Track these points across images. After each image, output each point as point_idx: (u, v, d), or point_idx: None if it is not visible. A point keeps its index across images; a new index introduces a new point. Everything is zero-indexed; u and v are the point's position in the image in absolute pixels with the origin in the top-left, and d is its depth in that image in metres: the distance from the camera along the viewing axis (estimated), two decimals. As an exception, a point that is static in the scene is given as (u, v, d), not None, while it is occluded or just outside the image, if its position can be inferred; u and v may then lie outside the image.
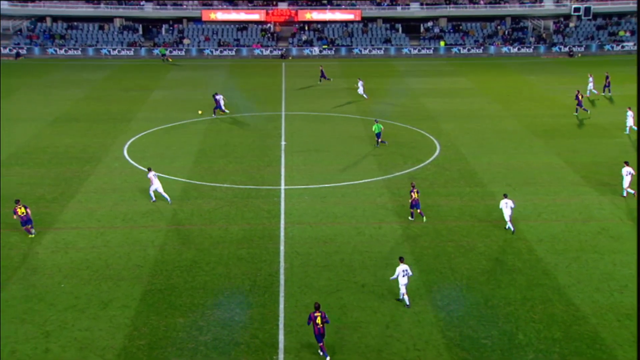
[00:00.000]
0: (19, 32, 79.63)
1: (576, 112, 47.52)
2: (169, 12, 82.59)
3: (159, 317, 21.50)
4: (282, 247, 26.51)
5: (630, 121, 41.81)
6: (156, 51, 77.19)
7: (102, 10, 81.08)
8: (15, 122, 45.50)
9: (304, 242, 26.94)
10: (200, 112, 48.04)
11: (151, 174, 31.35)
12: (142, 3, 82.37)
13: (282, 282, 23.70)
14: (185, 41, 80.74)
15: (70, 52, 77.52)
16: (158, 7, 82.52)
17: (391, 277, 22.73)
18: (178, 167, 36.24)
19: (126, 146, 40.39)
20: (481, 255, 25.80)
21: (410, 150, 39.77)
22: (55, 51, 77.35)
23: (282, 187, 33.41)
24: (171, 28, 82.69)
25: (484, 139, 42.06)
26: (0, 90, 55.07)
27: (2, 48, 76.29)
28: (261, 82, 61.68)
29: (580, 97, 47.23)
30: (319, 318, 19.48)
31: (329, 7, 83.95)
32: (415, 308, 22.06)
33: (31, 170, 35.69)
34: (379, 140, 39.95)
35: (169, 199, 31.10)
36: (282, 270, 24.59)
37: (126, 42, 79.82)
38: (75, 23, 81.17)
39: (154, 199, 31.27)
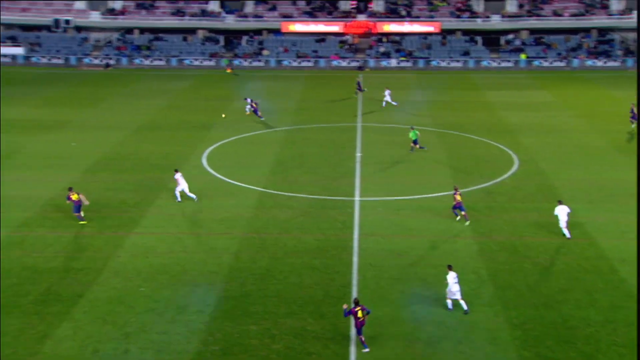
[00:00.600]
0: (109, 44, 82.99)
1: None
2: (250, 24, 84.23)
3: (232, 323, 21.80)
4: (355, 259, 26.43)
5: None
6: (222, 63, 78.90)
7: (186, 22, 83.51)
8: (102, 130, 47.33)
9: (377, 254, 26.77)
10: (223, 115, 50.10)
11: (178, 175, 32.78)
12: (224, 15, 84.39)
13: (354, 293, 23.61)
14: (265, 52, 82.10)
15: (155, 63, 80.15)
16: (239, 19, 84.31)
17: (447, 289, 22.46)
18: (255, 177, 36.77)
19: (205, 154, 41.32)
20: (560, 273, 24.96)
21: (487, 164, 38.99)
22: (141, 61, 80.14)
23: (357, 198, 33.36)
24: (251, 39, 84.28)
25: (565, 154, 40.79)
26: (81, 99, 57.44)
27: (93, 59, 79.64)
28: (338, 94, 61.94)
29: None
30: (360, 312, 20.08)
31: (407, 19, 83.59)
32: (490, 325, 21.53)
33: (115, 176, 36.99)
34: (417, 146, 40.72)
35: (195, 197, 32.48)
36: (355, 282, 24.51)
37: (208, 52, 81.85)
38: (161, 34, 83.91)
39: (179, 199, 32.48)
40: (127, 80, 69.78)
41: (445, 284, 22.47)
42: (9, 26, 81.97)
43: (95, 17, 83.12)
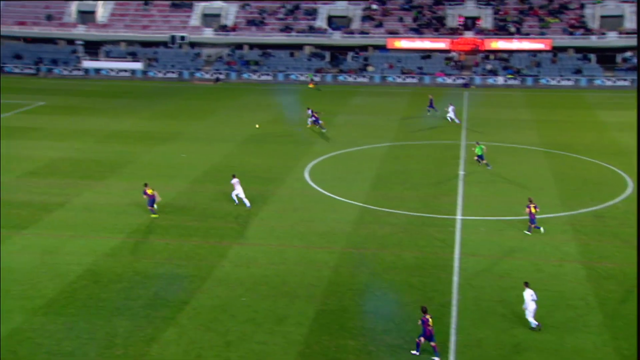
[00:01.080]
0: (219, 59, 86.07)
1: None
2: (356, 40, 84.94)
3: (330, 337, 21.92)
4: (455, 278, 25.95)
5: None
6: (308, 77, 79.94)
7: (294, 38, 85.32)
8: (210, 142, 49.03)
9: (478, 275, 26.17)
10: (257, 125, 51.98)
11: (234, 181, 34.53)
12: (330, 32, 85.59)
13: (454, 314, 23.17)
14: (370, 68, 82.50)
15: (262, 77, 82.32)
16: (346, 35, 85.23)
17: (523, 306, 22.13)
18: (355, 191, 36.91)
19: (307, 168, 41.91)
20: (676, 305, 23.41)
21: (598, 186, 37.30)
22: (250, 76, 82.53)
23: (459, 217, 32.78)
24: (356, 55, 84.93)
25: (685, 178, 38.35)
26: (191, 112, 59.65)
27: (204, 73, 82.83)
28: (442, 111, 61.20)
29: None
30: (430, 320, 20.56)
31: (517, 36, 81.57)
32: (598, 355, 20.51)
33: (221, 187, 38.11)
34: (484, 162, 40.74)
35: (248, 204, 34.00)
36: (454, 302, 24.05)
37: (313, 68, 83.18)
38: (269, 50, 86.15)
39: (237, 202, 34.26)
40: (235, 94, 72.00)
41: (572, 315, 21.70)
42: (130, 43, 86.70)
43: (208, 33, 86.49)
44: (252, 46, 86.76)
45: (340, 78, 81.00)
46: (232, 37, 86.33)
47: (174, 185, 37.94)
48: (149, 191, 32.89)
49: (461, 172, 40.52)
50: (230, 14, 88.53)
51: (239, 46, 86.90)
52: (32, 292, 24.68)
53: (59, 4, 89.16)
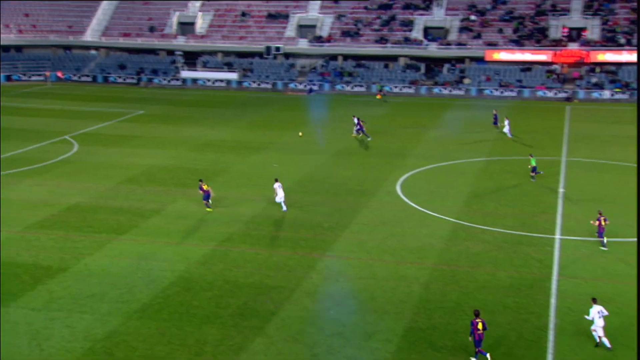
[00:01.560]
0: (313, 70, 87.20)
1: None
2: (453, 52, 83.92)
3: (419, 356, 21.63)
4: (553, 301, 25.04)
5: None
6: (374, 87, 79.69)
7: (389, 49, 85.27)
8: (302, 153, 49.64)
9: (577, 298, 25.14)
10: (300, 134, 53.42)
11: (276, 185, 35.75)
12: (426, 43, 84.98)
13: (551, 338, 22.35)
14: (466, 81, 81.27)
15: (355, 89, 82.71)
16: (442, 47, 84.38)
17: (586, 316, 21.78)
18: (448, 207, 36.37)
19: (399, 182, 41.66)
20: None
21: None
22: (343, 87, 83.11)
23: (557, 236, 31.65)
24: (453, 67, 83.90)
25: None
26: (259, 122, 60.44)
27: (298, 84, 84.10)
28: (542, 126, 59.45)
29: None
30: (480, 324, 20.88)
31: (627, 47, 78.13)
32: None
33: (312, 199, 38.53)
34: (537, 174, 41.14)
35: (285, 209, 35.48)
36: (551, 326, 23.20)
37: (408, 80, 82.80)
38: (363, 61, 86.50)
39: (284, 207, 35.70)
40: (328, 106, 72.63)
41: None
42: (227, 53, 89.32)
43: (303, 44, 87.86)
44: (346, 57, 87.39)
45: (435, 90, 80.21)
46: (327, 48, 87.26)
47: (265, 195, 38.61)
48: (205, 187, 35.97)
49: (561, 190, 39.14)
50: (326, 25, 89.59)
51: (333, 57, 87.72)
52: (128, 296, 25.73)
53: (161, 15, 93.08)
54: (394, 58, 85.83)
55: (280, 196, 35.77)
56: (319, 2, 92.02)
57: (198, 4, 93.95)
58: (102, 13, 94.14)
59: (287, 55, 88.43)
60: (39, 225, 33.17)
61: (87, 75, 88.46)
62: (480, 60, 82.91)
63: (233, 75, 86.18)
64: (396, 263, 29.12)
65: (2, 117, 61.72)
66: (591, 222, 31.10)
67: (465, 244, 31.12)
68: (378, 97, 77.46)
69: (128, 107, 68.29)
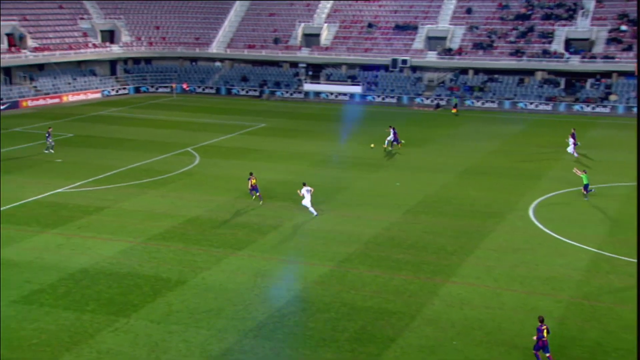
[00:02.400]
0: (441, 84, 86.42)
1: None
2: (598, 65, 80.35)
3: (550, 397, 20.69)
4: None
5: None
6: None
7: (525, 63, 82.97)
8: (427, 171, 49.19)
9: None
10: (372, 145, 54.36)
11: (304, 190, 37.98)
12: (567, 56, 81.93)
13: None
14: (612, 97, 77.54)
15: (486, 105, 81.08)
16: (586, 60, 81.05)
17: None
18: (588, 235, 34.74)
19: (532, 205, 40.28)
20: None
21: None
22: (472, 103, 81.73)
23: None
24: (597, 83, 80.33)
25: None
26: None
27: (424, 99, 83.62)
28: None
29: None
30: (545, 330, 21.98)
31: None
32: None
33: (435, 220, 38.02)
34: (588, 190, 41.18)
35: (315, 213, 37.75)
36: None
37: (545, 96, 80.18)
38: (496, 75, 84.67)
39: (314, 213, 37.89)
40: (456, 122, 71.64)
41: None
42: (351, 66, 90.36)
43: (431, 57, 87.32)
44: (477, 71, 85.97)
45: (576, 108, 77.17)
46: (457, 61, 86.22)
47: (386, 215, 38.56)
48: (252, 181, 40.09)
49: None
50: (457, 36, 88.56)
51: (464, 71, 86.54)
52: (244, 314, 26.42)
53: (286, 27, 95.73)
54: (530, 72, 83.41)
55: (306, 200, 37.82)
56: (450, 13, 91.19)
57: (324, 15, 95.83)
58: (229, 25, 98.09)
59: (414, 69, 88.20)
60: (160, 237, 34.83)
61: (211, 87, 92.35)
62: (630, 75, 78.86)
63: (357, 89, 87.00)
64: (527, 293, 28.10)
65: (129, 128, 65.63)
66: None
67: (608, 277, 29.55)
68: (454, 111, 76.56)
69: (250, 120, 70.57)
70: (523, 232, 35.78)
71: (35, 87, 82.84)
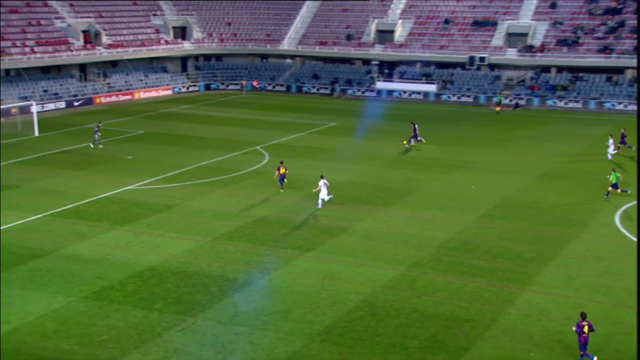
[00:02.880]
0: (521, 83, 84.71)
1: None
2: (691, 62, 77.22)
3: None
4: None
5: None
6: (495, 99, 77.88)
7: (614, 60, 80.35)
8: (503, 174, 48.33)
9: None
10: (404, 142, 56.96)
11: (322, 182, 39.29)
12: (659, 52, 79.04)
13: None
14: None
15: (570, 105, 79.03)
16: (678, 57, 78.04)
17: None
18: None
19: (619, 212, 39.07)
20: None
21: None
22: (555, 103, 79.80)
23: None
24: (691, 81, 77.20)
25: None
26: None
27: (503, 98, 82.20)
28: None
29: None
30: (586, 327, 22.55)
31: None
32: None
33: (512, 225, 37.31)
34: (619, 190, 41.42)
35: (321, 204, 39.57)
36: None
37: (635, 95, 77.48)
38: (581, 74, 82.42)
39: (319, 205, 39.36)
40: (535, 123, 70.15)
41: None
42: (426, 63, 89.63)
43: (511, 55, 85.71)
44: (560, 69, 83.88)
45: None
46: (539, 59, 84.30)
47: (460, 218, 38.10)
48: (282, 170, 42.48)
49: None
50: (539, 32, 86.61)
51: (546, 69, 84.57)
52: (311, 317, 26.57)
53: (359, 23, 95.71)
54: (620, 70, 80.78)
55: (323, 193, 39.36)
56: (533, 7, 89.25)
57: (399, 10, 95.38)
58: (301, 21, 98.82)
59: (492, 66, 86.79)
60: (227, 237, 35.39)
61: (282, 85, 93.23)
62: None
63: (431, 87, 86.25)
64: (612, 305, 27.27)
65: (198, 126, 66.93)
66: None
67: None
68: (498, 109, 75.98)
69: (320, 119, 70.89)
70: (608, 240, 34.75)
71: (108, 83, 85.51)
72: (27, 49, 78.55)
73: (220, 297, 28.25)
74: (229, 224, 37.35)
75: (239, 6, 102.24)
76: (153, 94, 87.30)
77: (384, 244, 34.34)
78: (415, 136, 56.91)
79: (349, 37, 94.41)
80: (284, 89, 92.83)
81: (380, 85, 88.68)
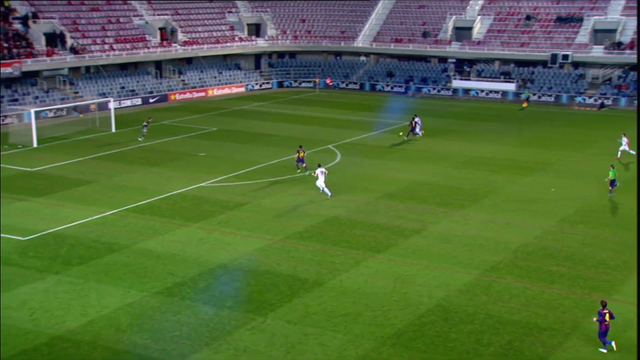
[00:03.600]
0: (607, 82, 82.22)
1: None
2: None
3: None
4: None
5: None
6: (523, 95, 77.05)
7: None
8: (586, 177, 46.99)
9: None
10: (400, 134, 59.20)
11: (319, 170, 41.26)
12: None
13: None
14: None
15: (658, 105, 76.25)
16: None
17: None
18: None
19: None
20: None
21: None
22: (642, 103, 77.17)
23: None
24: None
25: None
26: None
27: (587, 98, 79.96)
28: None
29: None
30: (607, 315, 23.64)
31: None
32: None
33: (595, 231, 36.31)
34: (612, 187, 42.53)
35: (329, 193, 41.28)
36: None
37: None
38: (670, 72, 79.43)
39: (321, 191, 41.51)
40: (622, 124, 67.93)
41: None
42: (505, 61, 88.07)
43: (597, 52, 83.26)
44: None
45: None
46: (627, 56, 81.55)
47: (539, 223, 37.32)
48: (301, 154, 46.62)
49: None
50: (629, 28, 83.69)
51: (634, 67, 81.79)
52: (382, 320, 26.51)
53: (436, 20, 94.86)
54: None
55: (320, 181, 41.17)
56: (622, 2, 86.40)
57: (477, 7, 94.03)
58: (376, 18, 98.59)
59: (575, 65, 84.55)
60: (298, 236, 35.66)
61: (355, 83, 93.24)
62: None
63: (510, 86, 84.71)
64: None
65: (271, 123, 67.66)
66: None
67: None
68: (524, 105, 75.89)
69: (393, 117, 70.52)
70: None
71: (183, 80, 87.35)
72: (106, 46, 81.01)
73: (290, 297, 28.49)
74: (299, 223, 37.62)
75: (313, 3, 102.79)
76: (226, 91, 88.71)
77: (459, 247, 33.94)
78: (413, 129, 58.47)
79: (425, 34, 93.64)
80: (357, 87, 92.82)
81: (457, 83, 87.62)
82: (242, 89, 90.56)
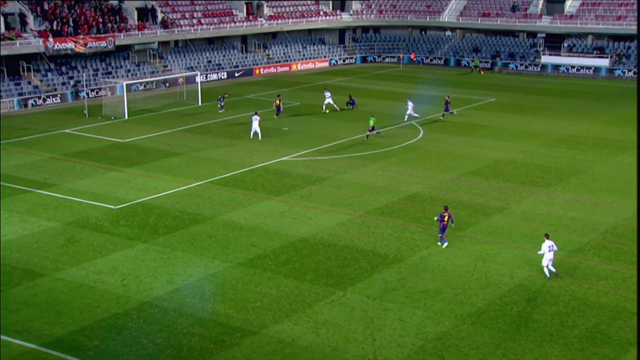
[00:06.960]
0: None
1: None
2: None
3: None
4: None
5: None
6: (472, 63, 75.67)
7: None
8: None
9: None
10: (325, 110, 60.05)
11: (255, 117, 48.29)
12: None
13: None
14: None
15: None
16: None
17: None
18: None
19: None
20: None
21: None
22: None
23: None
24: None
25: None
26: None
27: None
28: None
29: None
30: (446, 217, 29.81)
31: None
32: None
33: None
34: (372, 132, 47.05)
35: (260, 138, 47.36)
36: None
37: None
38: None
39: (251, 137, 48.35)
40: None
41: None
42: (599, 36, 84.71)
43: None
44: None
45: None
46: None
47: (630, 204, 35.96)
48: (277, 102, 53.64)
49: None
50: None
51: None
52: (462, 298, 26.18)
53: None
54: None
55: (253, 127, 48.26)
56: None
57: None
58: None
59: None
60: (379, 212, 35.51)
61: (440, 58, 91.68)
62: None
63: (603, 62, 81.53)
64: None
65: (358, 99, 67.38)
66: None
67: None
68: (482, 72, 77.90)
69: (479, 94, 69.17)
70: None
71: (267, 55, 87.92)
72: (194, 21, 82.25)
73: (370, 272, 28.46)
74: (380, 199, 37.45)
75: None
76: (310, 65, 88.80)
77: (543, 227, 33.03)
78: (447, 109, 57.11)
79: (514, 8, 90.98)
80: (442, 62, 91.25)
81: (546, 59, 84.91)
82: (326, 64, 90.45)
